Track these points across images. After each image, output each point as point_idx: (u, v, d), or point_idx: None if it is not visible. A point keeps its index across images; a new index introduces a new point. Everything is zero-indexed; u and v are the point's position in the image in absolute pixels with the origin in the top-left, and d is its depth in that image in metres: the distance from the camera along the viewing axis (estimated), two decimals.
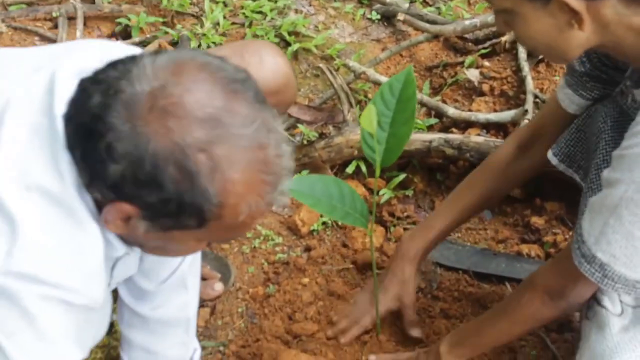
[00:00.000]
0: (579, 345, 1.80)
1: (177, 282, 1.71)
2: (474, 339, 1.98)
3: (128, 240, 1.29)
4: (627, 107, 1.65)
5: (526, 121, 2.72)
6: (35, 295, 1.15)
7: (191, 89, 1.10)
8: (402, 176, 2.82)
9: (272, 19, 3.41)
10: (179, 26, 3.38)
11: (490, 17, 3.17)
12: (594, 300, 1.75)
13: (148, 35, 3.34)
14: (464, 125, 2.97)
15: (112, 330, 1.87)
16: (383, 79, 3.06)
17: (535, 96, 2.86)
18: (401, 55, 3.42)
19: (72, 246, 1.18)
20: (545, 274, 1.78)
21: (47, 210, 1.15)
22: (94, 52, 1.29)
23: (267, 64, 1.93)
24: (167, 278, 1.68)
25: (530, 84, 2.92)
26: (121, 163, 1.08)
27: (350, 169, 2.84)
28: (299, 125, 3.02)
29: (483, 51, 3.29)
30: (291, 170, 1.20)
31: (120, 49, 1.36)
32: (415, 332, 2.23)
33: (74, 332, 1.25)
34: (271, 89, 1.94)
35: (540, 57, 3.09)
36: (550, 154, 1.97)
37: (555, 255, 2.37)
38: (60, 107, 1.16)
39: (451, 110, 2.99)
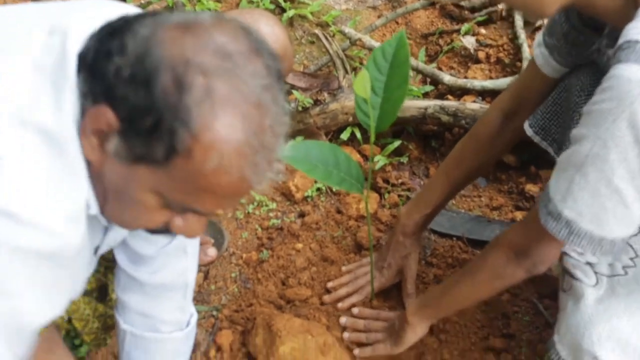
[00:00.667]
0: (557, 316, 1.79)
1: (177, 247, 1.69)
2: (439, 299, 1.98)
3: (96, 184, 1.23)
4: (603, 65, 1.63)
5: None
6: (3, 246, 1.11)
7: (222, 28, 1.11)
8: (396, 143, 2.81)
9: None
10: None
11: None
12: (569, 276, 1.75)
13: (142, 1, 3.31)
14: (460, 92, 2.97)
15: (107, 298, 1.86)
16: (378, 45, 3.05)
17: None
18: (397, 23, 3.41)
19: (57, 185, 1.14)
20: (511, 233, 1.77)
21: (38, 148, 1.12)
22: (103, 11, 1.27)
23: (265, 34, 1.91)
24: (168, 243, 1.67)
25: (526, 51, 2.92)
26: (125, 59, 1.07)
27: (345, 136, 2.83)
28: (293, 91, 3.01)
29: (479, 19, 3.28)
30: (277, 160, 1.16)
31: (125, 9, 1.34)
32: None
33: (43, 287, 1.21)
34: None
35: (537, 24, 3.09)
36: (526, 125, 1.96)
37: (523, 216, 2.37)
38: (75, 45, 1.15)
39: (447, 78, 2.99)
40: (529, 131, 1.95)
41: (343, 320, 2.19)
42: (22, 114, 1.11)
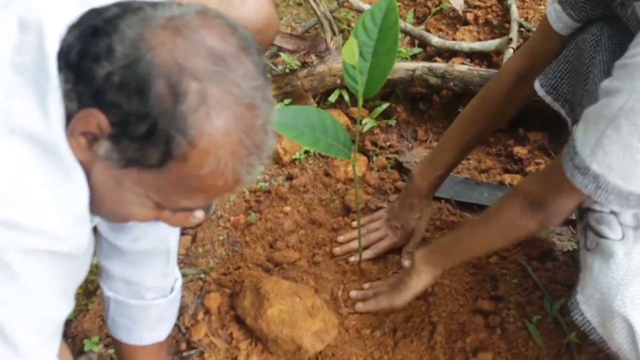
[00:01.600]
0: (579, 276, 1.73)
1: None
2: (449, 247, 1.96)
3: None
4: (627, 19, 1.59)
5: (511, 50, 2.70)
6: (17, 249, 1.09)
7: (210, 28, 1.09)
8: (385, 105, 2.80)
9: None
10: None
11: None
12: (593, 233, 1.70)
13: None
14: (448, 54, 2.96)
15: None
16: (366, 7, 3.03)
17: (520, 25, 2.83)
18: None
19: (56, 191, 1.12)
20: (529, 183, 1.75)
21: (31, 155, 1.09)
22: None
23: (249, 3, 1.90)
24: None
25: (515, 12, 2.90)
26: (114, 63, 1.05)
27: (332, 98, 2.82)
28: (281, 53, 2.99)
29: None
30: (267, 159, 1.16)
31: None
32: (407, 263, 2.24)
33: (59, 283, 1.21)
34: (253, 29, 1.89)
35: None
36: (537, 85, 1.92)
37: (543, 167, 2.35)
38: (54, 44, 1.11)
39: (435, 39, 2.97)
40: (540, 91, 1.92)
41: (353, 293, 2.18)
42: (9, 120, 1.09)
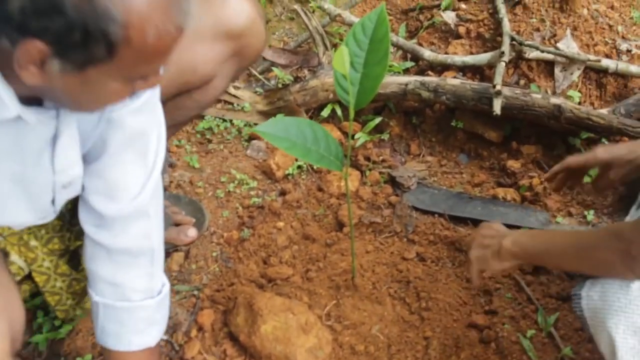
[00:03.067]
0: None
1: (138, 210, 1.69)
2: (539, 253, 1.85)
3: (49, 95, 1.30)
4: None
5: (503, 63, 2.70)
6: None
7: None
8: (377, 120, 2.80)
9: None
10: None
11: None
12: None
13: None
14: (441, 68, 2.96)
15: (80, 268, 1.86)
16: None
17: (512, 38, 2.83)
18: None
19: None
20: (635, 234, 1.57)
21: None
22: None
23: (231, 5, 1.90)
24: (130, 201, 1.67)
25: (506, 26, 2.90)
26: None
27: (325, 113, 2.82)
28: (273, 68, 2.99)
29: None
30: None
31: None
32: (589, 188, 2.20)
33: None
34: (233, 32, 1.90)
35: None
36: None
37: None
38: None
39: (427, 53, 2.97)
40: None
41: None
42: None
